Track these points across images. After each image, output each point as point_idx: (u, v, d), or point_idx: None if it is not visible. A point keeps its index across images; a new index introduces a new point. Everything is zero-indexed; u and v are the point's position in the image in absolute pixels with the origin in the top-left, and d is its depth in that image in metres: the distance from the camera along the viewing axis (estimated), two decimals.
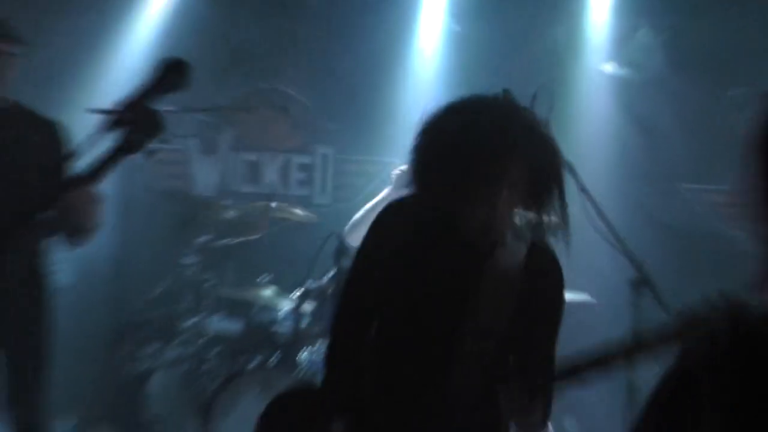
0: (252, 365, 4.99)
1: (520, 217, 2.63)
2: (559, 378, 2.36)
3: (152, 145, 2.40)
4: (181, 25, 7.25)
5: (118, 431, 5.66)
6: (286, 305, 5.49)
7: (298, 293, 5.14)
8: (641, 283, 4.27)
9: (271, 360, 4.99)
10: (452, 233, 2.60)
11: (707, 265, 6.29)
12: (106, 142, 2.13)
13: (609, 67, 6.90)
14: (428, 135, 2.56)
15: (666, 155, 6.85)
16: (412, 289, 2.63)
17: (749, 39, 6.59)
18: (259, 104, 7.26)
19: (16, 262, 3.59)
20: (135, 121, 1.86)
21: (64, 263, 6.95)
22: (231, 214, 5.89)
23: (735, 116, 6.74)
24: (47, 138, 3.77)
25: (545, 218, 2.58)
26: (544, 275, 2.64)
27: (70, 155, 3.58)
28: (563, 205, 2.57)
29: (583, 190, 4.33)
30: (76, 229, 3.55)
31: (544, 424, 2.55)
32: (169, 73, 2.03)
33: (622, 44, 6.93)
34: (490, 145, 2.45)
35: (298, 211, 5.82)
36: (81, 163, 1.84)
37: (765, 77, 6.50)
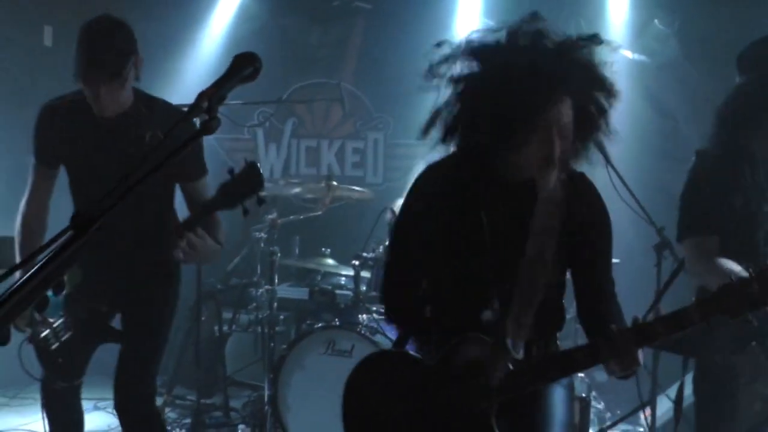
0: (318, 326, 4.99)
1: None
2: (638, 342, 2.27)
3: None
4: (245, 31, 7.32)
5: (199, 389, 5.71)
6: (346, 273, 5.50)
7: (356, 262, 5.14)
8: (663, 246, 4.23)
9: (334, 321, 4.99)
10: (494, 175, 2.46)
11: None
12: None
13: (629, 53, 6.80)
14: (467, 85, 2.41)
15: (679, 134, 6.76)
16: (461, 234, 2.52)
17: (758, 28, 6.46)
18: (317, 97, 7.29)
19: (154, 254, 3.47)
20: (209, 109, 1.85)
21: None
22: (296, 192, 5.90)
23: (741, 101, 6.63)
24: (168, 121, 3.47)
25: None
26: (586, 200, 2.51)
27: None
28: (605, 137, 2.42)
29: (608, 163, 4.28)
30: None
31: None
32: (241, 65, 2.02)
33: (640, 33, 6.83)
34: (530, 91, 2.27)
35: (356, 188, 5.81)
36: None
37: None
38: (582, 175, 2.54)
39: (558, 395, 2.53)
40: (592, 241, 2.51)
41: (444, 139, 2.44)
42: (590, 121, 2.37)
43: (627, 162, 4.87)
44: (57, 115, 3.48)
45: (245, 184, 3.05)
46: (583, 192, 2.52)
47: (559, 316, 2.64)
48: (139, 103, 3.47)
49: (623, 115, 7.11)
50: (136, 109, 3.44)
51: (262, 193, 3.02)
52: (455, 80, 2.41)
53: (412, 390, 2.52)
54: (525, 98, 2.28)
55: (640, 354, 2.30)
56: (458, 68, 2.42)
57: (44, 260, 1.50)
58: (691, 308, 2.27)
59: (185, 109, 3.27)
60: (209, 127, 1.88)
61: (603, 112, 2.38)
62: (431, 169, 2.64)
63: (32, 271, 1.46)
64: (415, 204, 2.65)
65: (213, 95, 1.90)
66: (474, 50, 2.39)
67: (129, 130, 3.41)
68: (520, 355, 2.40)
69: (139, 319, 3.59)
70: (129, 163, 3.32)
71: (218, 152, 7.48)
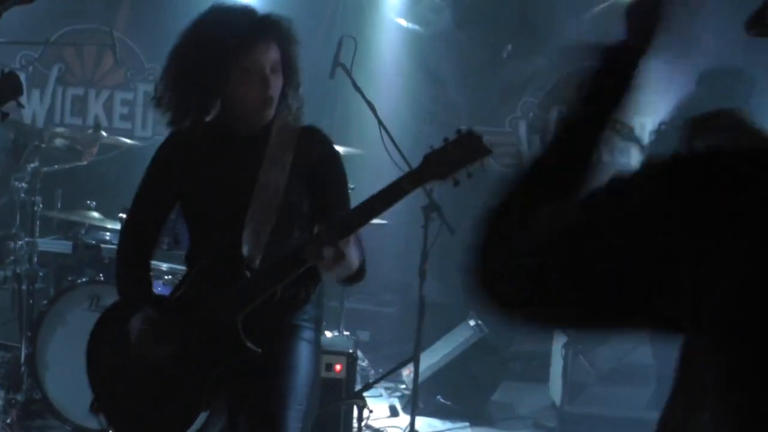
0: (81, 281, 4.80)
1: None
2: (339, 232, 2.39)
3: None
4: None
5: None
6: (112, 227, 5.32)
7: (123, 215, 4.98)
8: (431, 208, 4.38)
9: (98, 276, 4.82)
10: (218, 131, 2.62)
11: (480, 197, 6.53)
12: None
13: (403, 22, 6.95)
14: (185, 48, 2.57)
15: (450, 101, 7.00)
16: (204, 189, 2.64)
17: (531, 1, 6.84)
18: (86, 42, 6.96)
19: None
20: None
21: None
22: (60, 141, 5.62)
23: (509, 68, 6.97)
24: None
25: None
26: (315, 153, 2.67)
27: None
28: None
29: (380, 124, 4.39)
30: None
31: (363, 270, 2.56)
32: None
33: (414, 3, 6.98)
34: (229, 34, 2.46)
35: (125, 140, 5.62)
36: None
37: (533, 36, 6.77)
38: (312, 128, 2.73)
39: (303, 349, 2.62)
40: (322, 182, 2.67)
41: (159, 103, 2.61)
42: (292, 68, 2.60)
43: (399, 126, 5.01)
44: None
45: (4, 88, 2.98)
46: (311, 141, 2.68)
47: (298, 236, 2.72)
48: None
49: (396, 82, 7.33)
50: None
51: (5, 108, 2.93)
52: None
53: (159, 328, 2.56)
54: (226, 40, 2.46)
55: (354, 253, 2.43)
56: None
57: None
58: (401, 180, 2.46)
59: None
60: None
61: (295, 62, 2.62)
62: (168, 136, 2.74)
63: None
64: (149, 170, 2.75)
65: None
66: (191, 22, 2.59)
67: None
68: (255, 264, 2.52)
69: None
70: None
71: None
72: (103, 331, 2.71)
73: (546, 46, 6.68)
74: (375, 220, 4.74)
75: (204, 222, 2.69)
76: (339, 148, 4.99)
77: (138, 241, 2.79)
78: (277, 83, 2.54)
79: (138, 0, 7.17)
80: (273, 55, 2.50)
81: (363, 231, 2.49)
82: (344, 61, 4.47)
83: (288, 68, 2.58)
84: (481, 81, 6.99)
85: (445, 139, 2.45)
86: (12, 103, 3.09)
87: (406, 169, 4.23)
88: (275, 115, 2.60)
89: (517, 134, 7.09)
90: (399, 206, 4.84)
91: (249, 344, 2.43)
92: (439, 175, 2.43)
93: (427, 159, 2.44)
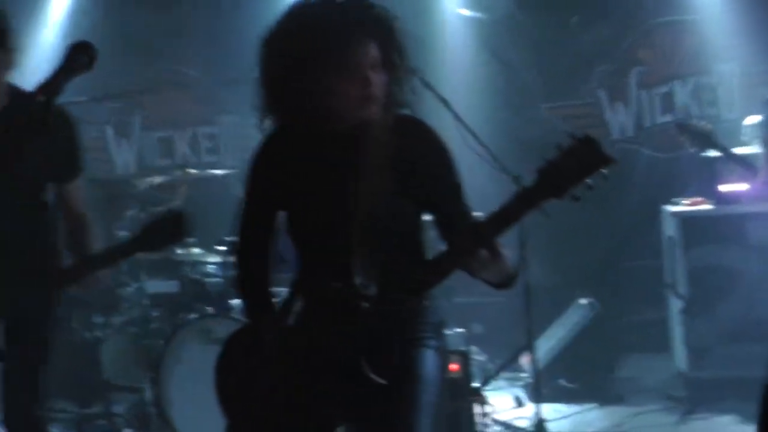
0: (192, 317, 4.90)
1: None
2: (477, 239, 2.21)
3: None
4: (83, 27, 7.06)
5: (79, 399, 5.54)
6: (213, 260, 5.42)
7: (222, 247, 5.07)
8: None
9: (207, 310, 4.92)
10: (315, 130, 2.46)
11: None
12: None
13: (465, 11, 6.90)
14: (274, 45, 2.42)
15: (523, 83, 6.92)
16: (304, 193, 2.51)
17: None
18: (162, 85, 7.12)
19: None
20: (47, 102, 1.78)
21: None
22: (151, 185, 5.77)
23: (576, 40, 6.86)
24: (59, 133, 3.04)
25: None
26: (414, 146, 2.47)
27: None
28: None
29: (458, 119, 4.34)
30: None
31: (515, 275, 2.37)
32: (76, 55, 1.94)
33: None
34: (328, 33, 2.31)
35: (212, 173, 5.72)
36: None
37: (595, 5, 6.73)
38: (408, 118, 2.52)
39: (429, 358, 2.50)
40: (431, 177, 2.48)
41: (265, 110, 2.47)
42: (397, 68, 2.40)
43: (475, 116, 4.95)
44: None
45: (167, 232, 3.03)
46: (411, 132, 2.49)
47: (415, 250, 2.58)
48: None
49: (465, 73, 7.28)
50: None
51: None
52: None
53: (280, 354, 2.50)
54: (325, 39, 2.31)
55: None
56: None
57: None
58: (514, 200, 2.22)
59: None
60: (47, 122, 1.82)
61: (405, 63, 2.42)
62: (259, 144, 2.61)
63: None
64: (248, 184, 2.63)
65: (50, 87, 1.83)
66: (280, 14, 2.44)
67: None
68: (372, 291, 2.38)
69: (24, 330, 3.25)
70: None
71: None
72: (231, 355, 2.70)
73: (611, 13, 6.56)
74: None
75: (307, 240, 2.58)
76: None
77: (253, 265, 2.72)
78: (379, 81, 2.37)
79: (203, 35, 7.28)
80: (372, 51, 2.34)
81: None
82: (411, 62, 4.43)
83: (390, 63, 2.39)
84: (550, 58, 6.87)
85: (559, 148, 2.17)
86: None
87: (489, 158, 4.22)
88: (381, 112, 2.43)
89: (598, 103, 6.95)
90: (490, 193, 4.82)
91: (374, 377, 2.35)
92: (556, 192, 2.15)
93: (542, 173, 2.16)
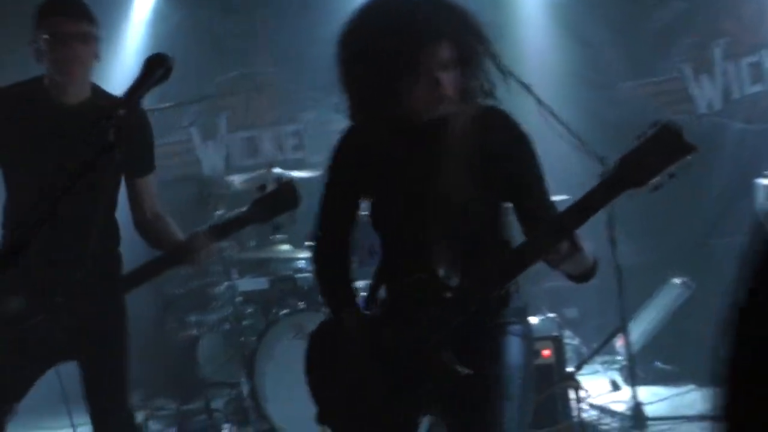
0: (283, 313, 4.96)
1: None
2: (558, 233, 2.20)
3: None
4: (162, 31, 7.20)
5: (178, 397, 5.67)
6: (303, 255, 5.47)
7: (311, 243, 5.11)
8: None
9: (298, 305, 4.97)
10: (395, 122, 2.46)
11: None
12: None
13: None
14: (349, 44, 2.44)
15: (603, 61, 6.79)
16: (386, 185, 2.53)
17: None
18: (243, 87, 7.21)
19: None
20: (128, 117, 1.82)
21: None
22: (238, 186, 5.86)
23: (656, 14, 6.69)
24: (138, 129, 3.21)
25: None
26: (497, 137, 2.45)
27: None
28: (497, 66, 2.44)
29: (540, 102, 4.29)
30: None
31: (594, 267, 2.35)
32: (153, 68, 1.98)
33: None
34: (413, 29, 2.30)
35: (297, 172, 5.76)
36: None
37: None
38: (493, 109, 2.50)
39: (514, 344, 2.49)
40: (514, 168, 2.47)
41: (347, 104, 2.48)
42: (472, 62, 2.39)
43: (555, 98, 4.87)
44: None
45: (280, 200, 3.16)
46: (495, 123, 2.48)
47: (497, 241, 2.58)
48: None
49: (543, 54, 7.18)
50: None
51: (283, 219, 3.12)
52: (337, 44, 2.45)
53: (365, 345, 2.52)
54: (395, 41, 2.31)
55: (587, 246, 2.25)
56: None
57: None
58: (594, 192, 2.20)
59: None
60: (127, 136, 1.86)
61: (482, 54, 2.41)
62: (340, 136, 2.64)
63: None
64: (329, 176, 2.66)
65: (128, 102, 1.87)
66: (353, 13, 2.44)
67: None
68: (454, 282, 2.39)
69: (100, 336, 3.33)
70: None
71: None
72: (319, 346, 2.73)
73: None
74: (561, 198, 4.65)
75: (392, 231, 2.60)
76: None
77: (334, 255, 2.73)
78: (450, 80, 2.37)
79: (280, 35, 7.34)
80: (444, 52, 2.34)
81: None
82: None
83: (465, 61, 2.38)
84: (630, 34, 6.70)
85: (639, 137, 2.13)
86: (286, 215, 3.24)
87: (573, 140, 4.16)
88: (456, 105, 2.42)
89: (681, 78, 6.76)
90: (575, 176, 4.78)
91: (458, 368, 2.34)
92: (637, 181, 2.12)
93: (623, 163, 2.13)
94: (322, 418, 2.63)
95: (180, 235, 3.30)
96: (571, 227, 2.20)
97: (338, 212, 2.69)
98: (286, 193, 3.21)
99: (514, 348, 2.49)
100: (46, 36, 3.05)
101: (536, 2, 6.83)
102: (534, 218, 2.42)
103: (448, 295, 2.37)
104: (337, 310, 2.70)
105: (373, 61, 2.36)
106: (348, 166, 2.61)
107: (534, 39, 6.71)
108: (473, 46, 2.39)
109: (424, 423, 2.59)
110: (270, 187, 3.26)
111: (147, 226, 3.38)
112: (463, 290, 2.37)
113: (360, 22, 2.43)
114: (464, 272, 2.39)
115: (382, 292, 2.63)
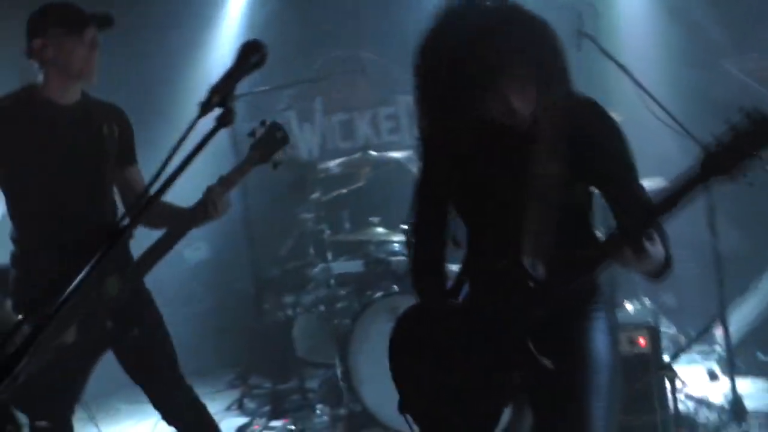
0: (378, 295, 5.00)
1: None
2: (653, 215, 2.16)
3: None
4: (261, 15, 7.30)
5: (274, 376, 5.77)
6: (398, 239, 5.50)
7: (406, 226, 5.12)
8: None
9: (393, 288, 5.00)
10: (478, 122, 2.45)
11: None
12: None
13: None
14: (424, 55, 2.45)
15: (707, 39, 6.59)
16: (476, 185, 2.53)
17: None
18: (339, 70, 7.26)
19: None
20: (224, 103, 1.86)
21: (199, 242, 7.14)
22: (335, 169, 5.92)
23: None
24: (119, 126, 3.50)
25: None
26: (588, 127, 2.43)
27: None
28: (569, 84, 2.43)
29: (637, 84, 4.21)
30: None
31: (669, 262, 2.30)
32: (247, 54, 2.01)
33: None
34: (484, 51, 2.30)
35: (392, 154, 5.78)
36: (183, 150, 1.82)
37: None
38: (583, 99, 2.48)
39: (601, 340, 2.46)
40: (604, 159, 2.43)
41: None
42: (547, 77, 2.38)
43: (659, 79, 4.76)
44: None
45: (272, 139, 3.44)
46: (585, 114, 2.45)
47: (584, 231, 2.57)
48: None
49: (643, 35, 6.97)
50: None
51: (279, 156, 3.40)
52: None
53: (450, 332, 2.53)
54: (469, 55, 2.31)
55: (658, 246, 2.21)
56: None
57: (83, 274, 1.52)
58: (681, 182, 2.14)
59: None
60: (226, 121, 1.90)
61: (557, 69, 2.40)
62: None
63: (71, 288, 1.48)
64: (423, 164, 2.68)
65: (224, 89, 1.91)
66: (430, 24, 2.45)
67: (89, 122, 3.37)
68: (540, 272, 2.37)
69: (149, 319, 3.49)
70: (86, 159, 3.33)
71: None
72: (404, 333, 2.75)
73: None
74: (657, 182, 4.53)
75: (478, 222, 2.62)
76: None
77: (427, 245, 2.77)
78: (523, 96, 2.38)
79: (379, 15, 7.36)
80: (518, 69, 2.34)
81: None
82: (587, 30, 4.34)
83: (539, 77, 2.39)
84: (734, 10, 6.46)
85: (729, 124, 2.05)
86: (281, 152, 3.48)
87: (673, 124, 4.07)
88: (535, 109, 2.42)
89: None
90: (674, 158, 4.67)
91: (543, 360, 2.33)
92: (726, 173, 2.04)
93: (707, 152, 2.07)
94: (405, 408, 2.64)
95: (176, 204, 3.41)
96: (659, 217, 2.16)
97: (432, 203, 2.71)
98: (276, 132, 3.48)
99: (600, 344, 2.47)
100: (72, 40, 3.24)
101: None
102: (623, 209, 2.38)
103: (532, 285, 2.36)
104: (426, 298, 2.71)
105: (448, 75, 2.37)
106: (440, 155, 2.62)
107: (633, 19, 6.55)
108: (548, 61, 2.39)
109: (506, 412, 2.58)
110: (259, 132, 3.50)
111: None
112: (548, 281, 2.35)
113: (436, 35, 2.43)
114: (550, 263, 2.37)
115: (467, 284, 2.64)
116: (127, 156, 3.54)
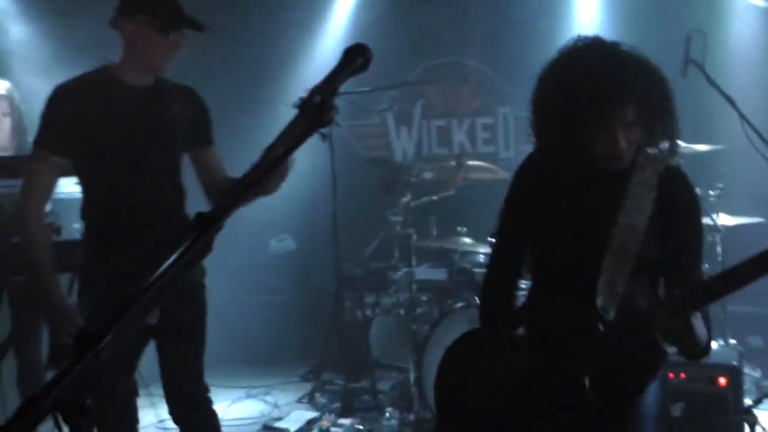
0: (458, 305, 5.00)
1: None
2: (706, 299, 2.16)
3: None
4: (367, 18, 7.38)
5: (347, 374, 5.81)
6: (483, 251, 5.48)
7: (493, 239, 5.11)
8: None
9: (474, 300, 4.99)
10: (583, 165, 2.46)
11: None
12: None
13: (759, 2, 6.46)
14: (544, 87, 2.47)
15: None
16: (560, 223, 2.51)
17: None
18: (442, 76, 7.28)
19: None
20: (323, 102, 1.89)
21: (286, 234, 7.25)
22: (428, 174, 5.93)
23: None
24: (192, 106, 3.52)
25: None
26: (678, 198, 2.48)
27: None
28: (674, 135, 2.47)
29: (743, 118, 4.12)
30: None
31: (708, 347, 2.35)
32: (352, 58, 2.04)
33: None
34: (602, 89, 2.33)
35: (485, 165, 5.76)
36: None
37: None
38: (676, 169, 2.54)
39: (651, 390, 2.47)
40: (678, 232, 2.48)
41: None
42: (655, 120, 2.42)
43: (763, 113, 4.63)
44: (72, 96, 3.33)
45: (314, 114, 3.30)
46: (674, 184, 2.50)
47: (653, 288, 2.54)
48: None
49: (756, 65, 6.77)
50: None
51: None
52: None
53: (508, 366, 2.51)
54: (586, 94, 2.34)
55: (700, 327, 2.24)
56: None
57: (172, 260, 1.57)
58: (748, 263, 2.09)
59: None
60: (324, 121, 1.93)
61: (665, 112, 2.43)
62: (528, 158, 2.65)
63: (161, 270, 1.53)
64: (511, 195, 2.66)
65: (325, 89, 1.94)
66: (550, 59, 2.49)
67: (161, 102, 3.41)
68: (609, 316, 2.37)
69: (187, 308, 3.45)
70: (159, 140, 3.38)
71: (349, 140, 7.58)
72: (459, 352, 2.73)
73: None
74: (758, 220, 4.42)
75: (555, 259, 2.58)
76: (701, 146, 4.81)
77: (500, 271, 2.72)
78: (631, 137, 2.41)
79: (487, 26, 7.36)
80: (629, 113, 2.37)
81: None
82: (695, 57, 4.25)
83: (649, 119, 2.42)
84: None
85: None
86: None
87: None
88: (638, 156, 2.47)
89: None
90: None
91: (593, 396, 2.31)
92: None
93: None
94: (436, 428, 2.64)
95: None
96: (718, 294, 2.15)
97: (511, 239, 2.68)
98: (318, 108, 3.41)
99: (650, 393, 2.48)
100: (157, 35, 3.28)
101: (751, 10, 6.50)
102: (681, 280, 2.43)
103: (601, 327, 2.36)
104: (491, 325, 2.70)
105: (561, 112, 2.41)
106: (523, 196, 2.63)
107: (745, 49, 6.40)
108: (657, 104, 2.41)
109: None
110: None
111: (220, 185, 3.53)
112: (617, 324, 2.35)
113: (554, 71, 2.47)
114: (621, 308, 2.38)
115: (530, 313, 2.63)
116: (203, 137, 3.56)
